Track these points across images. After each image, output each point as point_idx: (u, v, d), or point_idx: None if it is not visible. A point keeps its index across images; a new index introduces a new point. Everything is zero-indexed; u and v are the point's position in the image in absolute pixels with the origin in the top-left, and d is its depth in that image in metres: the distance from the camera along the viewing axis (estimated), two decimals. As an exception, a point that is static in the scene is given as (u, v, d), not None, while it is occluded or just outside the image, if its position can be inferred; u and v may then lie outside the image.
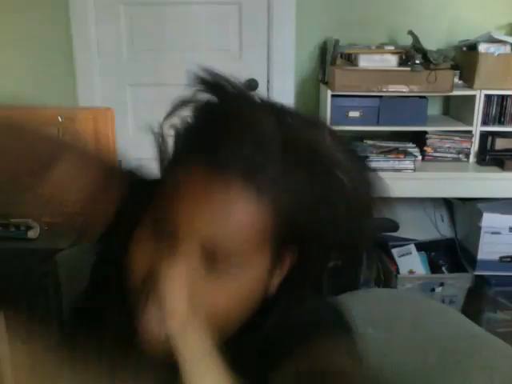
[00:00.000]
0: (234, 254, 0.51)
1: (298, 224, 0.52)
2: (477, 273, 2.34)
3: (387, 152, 2.25)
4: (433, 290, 2.34)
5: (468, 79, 2.28)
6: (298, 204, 0.52)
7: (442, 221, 2.55)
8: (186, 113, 0.57)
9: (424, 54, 2.19)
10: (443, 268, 2.46)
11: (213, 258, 0.51)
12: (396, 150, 2.27)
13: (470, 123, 2.29)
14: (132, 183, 0.67)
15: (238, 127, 0.51)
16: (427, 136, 2.31)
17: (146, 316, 0.51)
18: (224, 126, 0.51)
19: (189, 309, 0.50)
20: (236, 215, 0.50)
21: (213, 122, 0.53)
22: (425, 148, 2.32)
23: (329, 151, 0.54)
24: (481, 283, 2.34)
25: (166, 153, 0.59)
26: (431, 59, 2.17)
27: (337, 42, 2.25)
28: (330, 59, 2.30)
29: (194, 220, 0.51)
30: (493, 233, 2.28)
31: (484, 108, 2.26)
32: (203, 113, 0.55)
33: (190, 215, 0.51)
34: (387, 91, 2.21)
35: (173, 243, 0.51)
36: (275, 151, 0.50)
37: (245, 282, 0.54)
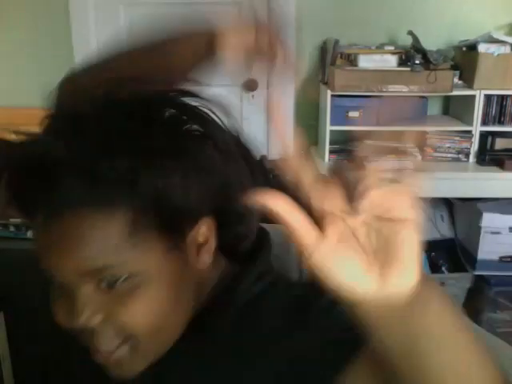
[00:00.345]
0: (118, 268, 0.50)
1: (169, 204, 0.50)
2: (477, 273, 2.34)
3: (387, 152, 2.25)
4: (433, 289, 2.34)
5: (468, 79, 2.28)
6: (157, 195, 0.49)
7: (442, 221, 2.55)
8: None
9: (424, 54, 2.19)
10: (443, 268, 2.46)
11: (105, 279, 0.51)
12: (396, 150, 2.27)
13: (470, 123, 2.29)
14: None
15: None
16: (427, 136, 2.31)
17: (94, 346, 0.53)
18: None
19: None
20: (94, 238, 0.49)
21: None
22: (425, 148, 2.32)
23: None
24: (481, 283, 2.34)
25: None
26: (431, 59, 2.17)
27: (337, 42, 2.25)
28: (329, 59, 2.30)
29: (62, 261, 0.50)
30: (493, 233, 2.28)
31: (484, 108, 2.26)
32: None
33: (56, 258, 0.51)
34: (387, 91, 2.21)
35: (67, 288, 0.52)
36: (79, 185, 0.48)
37: (153, 288, 0.52)
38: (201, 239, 0.55)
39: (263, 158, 2.57)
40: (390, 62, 2.20)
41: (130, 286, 0.51)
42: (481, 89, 2.23)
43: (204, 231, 0.55)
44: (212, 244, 0.57)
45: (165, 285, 0.53)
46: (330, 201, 0.38)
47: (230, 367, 0.56)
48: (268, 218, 0.37)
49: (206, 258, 0.56)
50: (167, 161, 0.49)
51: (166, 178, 0.49)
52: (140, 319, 0.52)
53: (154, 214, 0.50)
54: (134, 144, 0.48)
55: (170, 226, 0.52)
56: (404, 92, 2.21)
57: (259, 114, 2.60)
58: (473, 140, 2.30)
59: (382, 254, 0.36)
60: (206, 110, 0.57)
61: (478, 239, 2.29)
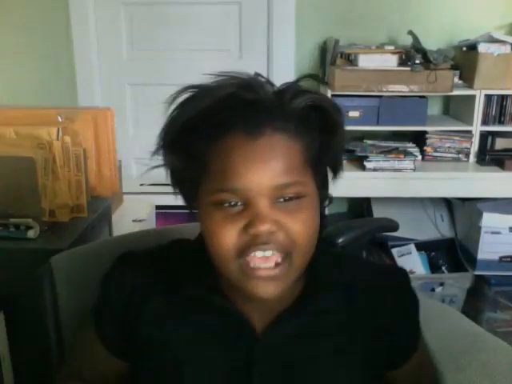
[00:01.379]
0: (297, 186, 0.63)
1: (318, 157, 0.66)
2: (477, 273, 2.34)
3: (387, 152, 2.25)
4: (433, 289, 2.34)
5: (468, 79, 2.28)
6: (315, 145, 0.66)
7: (442, 221, 2.55)
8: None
9: (424, 53, 2.19)
10: (443, 268, 2.46)
11: (283, 196, 0.63)
12: (396, 150, 2.27)
13: (470, 123, 2.29)
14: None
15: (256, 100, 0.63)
16: (427, 136, 2.31)
17: (254, 264, 0.63)
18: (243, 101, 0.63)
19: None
20: (286, 157, 0.62)
21: (232, 100, 0.64)
22: (425, 148, 2.32)
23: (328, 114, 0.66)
24: (481, 283, 2.34)
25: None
26: (431, 59, 2.17)
27: (337, 41, 2.25)
28: (329, 59, 2.30)
29: (259, 175, 0.61)
30: (493, 233, 2.28)
31: (484, 108, 2.26)
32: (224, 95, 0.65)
33: (253, 173, 0.61)
34: (387, 91, 2.21)
35: (248, 203, 0.62)
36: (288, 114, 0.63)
37: (313, 210, 0.66)
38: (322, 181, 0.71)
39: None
40: (390, 61, 2.20)
41: (299, 205, 0.63)
42: (481, 89, 2.23)
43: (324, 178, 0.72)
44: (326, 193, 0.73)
45: (316, 212, 0.67)
46: None
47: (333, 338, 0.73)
48: None
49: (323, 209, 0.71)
50: (331, 132, 0.67)
51: (326, 139, 0.67)
52: (303, 230, 0.63)
53: (314, 156, 0.65)
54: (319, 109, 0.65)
55: (317, 170, 0.67)
56: (404, 92, 2.21)
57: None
58: (473, 140, 2.30)
59: None
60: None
61: (478, 239, 2.29)
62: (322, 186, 0.70)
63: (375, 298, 0.75)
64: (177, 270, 0.75)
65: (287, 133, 0.63)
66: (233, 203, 0.63)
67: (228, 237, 0.63)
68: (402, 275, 0.79)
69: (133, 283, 0.75)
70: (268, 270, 0.63)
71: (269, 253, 0.63)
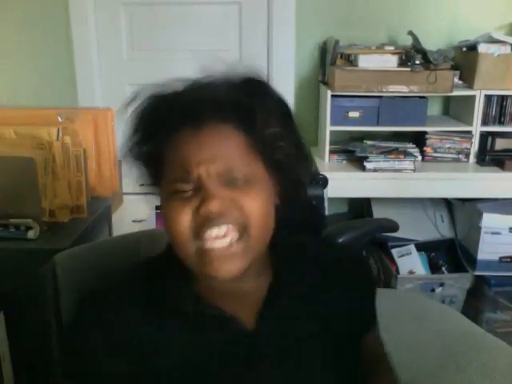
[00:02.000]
0: (243, 169, 0.67)
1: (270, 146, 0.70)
2: (477, 273, 2.34)
3: (387, 152, 2.25)
4: (433, 290, 2.34)
5: (468, 79, 2.28)
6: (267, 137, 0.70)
7: (442, 221, 2.55)
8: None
9: (424, 54, 2.19)
10: (443, 268, 2.46)
11: (234, 182, 0.67)
12: (396, 151, 2.27)
13: (470, 123, 2.29)
14: None
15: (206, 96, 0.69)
16: (427, 136, 2.31)
17: (211, 245, 0.66)
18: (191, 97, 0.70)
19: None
20: (229, 145, 0.67)
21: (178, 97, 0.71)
22: (425, 148, 2.32)
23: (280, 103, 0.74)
24: (481, 283, 2.34)
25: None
26: (431, 59, 2.17)
27: (337, 42, 2.25)
28: (329, 59, 2.30)
29: (205, 161, 0.66)
30: (493, 233, 2.28)
31: (484, 108, 2.26)
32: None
33: (200, 159, 0.66)
34: (387, 91, 2.21)
35: (198, 188, 0.66)
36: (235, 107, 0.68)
37: (264, 192, 0.69)
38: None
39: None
40: (390, 62, 2.20)
41: (248, 185, 0.67)
42: (481, 89, 2.23)
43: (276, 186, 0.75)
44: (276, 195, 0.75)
45: (267, 197, 0.70)
46: None
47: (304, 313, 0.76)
48: None
49: (277, 200, 0.75)
50: (275, 122, 0.70)
51: (271, 131, 0.70)
52: (255, 205, 0.67)
53: (261, 144, 0.69)
54: (260, 103, 0.69)
55: (268, 157, 0.71)
56: (404, 92, 2.21)
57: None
58: (473, 140, 2.30)
59: None
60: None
61: (478, 239, 2.29)
62: (280, 173, 0.73)
63: (342, 277, 0.82)
64: (157, 288, 0.74)
65: (229, 123, 0.68)
66: (186, 190, 0.67)
67: (182, 219, 0.66)
68: (365, 262, 0.92)
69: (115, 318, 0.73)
70: (224, 249, 0.66)
71: (224, 228, 0.66)
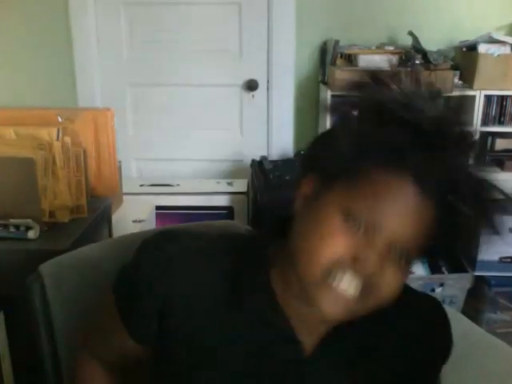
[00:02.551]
0: (411, 251, 0.61)
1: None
2: (477, 273, 2.33)
3: (387, 152, 2.25)
4: (433, 290, 2.34)
5: (468, 80, 2.28)
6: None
7: (442, 221, 2.55)
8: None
9: (424, 54, 2.19)
10: (443, 268, 2.46)
11: (395, 253, 0.61)
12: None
13: (470, 124, 2.28)
14: None
15: (442, 145, 0.59)
16: (427, 136, 2.30)
17: (325, 299, 0.61)
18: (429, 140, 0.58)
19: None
20: (420, 221, 0.60)
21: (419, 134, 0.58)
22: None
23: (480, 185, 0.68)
24: (481, 284, 2.34)
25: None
26: (431, 59, 2.17)
27: (337, 42, 2.25)
28: (329, 59, 2.30)
29: (390, 219, 0.59)
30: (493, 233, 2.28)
31: (484, 108, 2.26)
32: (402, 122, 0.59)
33: (388, 215, 0.59)
34: (387, 91, 2.21)
35: (368, 236, 0.59)
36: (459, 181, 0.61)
37: (407, 275, 0.64)
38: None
39: (263, 158, 2.60)
40: (390, 62, 2.20)
41: (401, 269, 0.62)
42: (481, 89, 2.23)
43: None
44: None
45: (405, 276, 0.64)
46: None
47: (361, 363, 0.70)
48: None
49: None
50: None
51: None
52: (392, 290, 0.62)
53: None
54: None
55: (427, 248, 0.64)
56: (404, 92, 2.21)
57: (259, 114, 2.60)
58: (473, 140, 2.30)
59: None
60: None
61: (478, 239, 2.29)
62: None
63: (408, 336, 0.74)
64: (235, 275, 0.70)
65: (437, 204, 0.60)
66: (359, 224, 0.60)
67: (333, 246, 0.60)
68: (437, 313, 0.78)
69: (182, 271, 0.69)
70: (344, 294, 0.61)
71: (356, 281, 0.61)
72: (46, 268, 0.97)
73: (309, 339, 0.70)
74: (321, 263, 0.60)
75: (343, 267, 0.60)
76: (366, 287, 0.61)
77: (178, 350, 0.70)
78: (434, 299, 0.80)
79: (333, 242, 0.60)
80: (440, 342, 0.76)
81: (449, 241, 0.66)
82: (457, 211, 0.62)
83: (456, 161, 0.61)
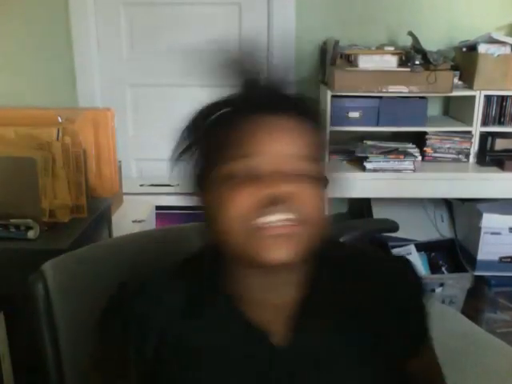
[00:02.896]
0: (310, 164, 0.66)
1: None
2: (477, 273, 2.34)
3: (387, 153, 2.25)
4: (433, 290, 2.34)
5: (468, 80, 2.28)
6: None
7: (442, 221, 2.55)
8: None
9: (424, 54, 2.19)
10: (443, 268, 2.46)
11: (298, 171, 0.65)
12: (396, 151, 2.27)
13: (470, 124, 2.29)
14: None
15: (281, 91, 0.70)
16: (427, 136, 2.31)
17: (265, 249, 0.63)
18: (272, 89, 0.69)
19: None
20: (303, 137, 0.67)
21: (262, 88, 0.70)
22: (425, 148, 2.32)
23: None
24: (481, 283, 2.34)
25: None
26: (431, 60, 2.17)
27: (337, 42, 2.25)
28: (329, 59, 2.30)
29: (279, 144, 0.65)
30: (493, 233, 2.28)
31: (484, 108, 2.26)
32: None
33: (274, 142, 0.65)
34: (387, 92, 2.21)
35: (267, 172, 0.64)
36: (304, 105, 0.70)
37: (324, 190, 0.69)
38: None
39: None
40: (390, 62, 2.20)
41: (314, 181, 0.66)
42: (481, 89, 2.23)
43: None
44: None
45: (324, 199, 0.68)
46: None
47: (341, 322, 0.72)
48: None
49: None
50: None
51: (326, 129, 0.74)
52: (318, 206, 0.66)
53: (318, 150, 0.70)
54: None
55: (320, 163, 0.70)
56: (404, 92, 2.21)
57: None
58: (473, 140, 2.30)
59: None
60: None
61: (478, 239, 2.29)
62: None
63: (383, 287, 0.77)
64: (195, 284, 0.73)
65: (304, 121, 0.68)
66: (250, 173, 0.64)
67: (240, 203, 0.63)
68: (407, 264, 0.84)
69: (150, 306, 0.73)
70: (280, 227, 0.63)
71: (284, 217, 0.63)
72: (48, 266, 0.97)
73: (278, 329, 0.71)
74: (240, 221, 0.63)
75: (266, 209, 0.62)
76: (290, 211, 0.63)
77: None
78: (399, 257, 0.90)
79: (239, 200, 0.63)
80: (412, 285, 0.81)
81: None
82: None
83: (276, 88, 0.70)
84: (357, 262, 0.79)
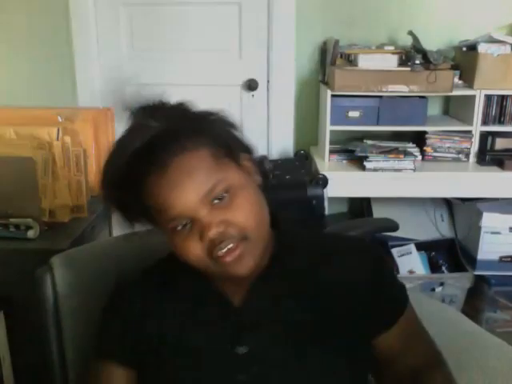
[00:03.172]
0: (222, 183, 0.71)
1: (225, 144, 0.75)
2: (477, 273, 2.34)
3: (387, 152, 2.25)
4: (433, 289, 2.34)
5: (468, 79, 2.28)
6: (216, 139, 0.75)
7: (442, 221, 2.55)
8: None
9: (424, 54, 2.19)
10: (443, 268, 2.46)
11: (215, 197, 0.71)
12: (396, 150, 2.27)
13: (470, 123, 2.29)
14: None
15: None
16: (427, 136, 2.31)
17: (224, 258, 0.71)
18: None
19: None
20: (199, 167, 0.71)
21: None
22: (425, 148, 2.32)
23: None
24: (481, 283, 2.34)
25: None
26: (431, 59, 2.17)
27: (337, 42, 2.25)
28: (329, 59, 2.30)
29: (185, 194, 0.70)
30: (493, 233, 2.28)
31: (484, 108, 2.26)
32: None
33: (180, 195, 0.70)
34: (387, 91, 2.21)
35: (193, 219, 0.71)
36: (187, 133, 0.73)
37: (249, 189, 0.75)
38: (248, 164, 0.79)
39: (263, 157, 2.60)
40: (390, 62, 2.20)
41: (232, 197, 0.72)
42: (481, 89, 2.23)
43: (247, 161, 0.80)
44: (256, 172, 0.80)
45: (254, 194, 0.75)
46: None
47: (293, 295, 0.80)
48: None
49: (258, 177, 0.80)
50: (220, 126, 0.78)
51: (223, 135, 0.76)
52: (248, 214, 0.72)
53: (222, 150, 0.74)
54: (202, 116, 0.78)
55: (231, 155, 0.75)
56: (404, 92, 2.21)
57: (259, 113, 2.60)
58: (473, 140, 2.30)
59: None
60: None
61: (478, 239, 2.29)
62: (246, 156, 0.79)
63: (349, 271, 0.81)
64: (173, 274, 0.83)
65: (189, 147, 0.71)
66: (184, 223, 0.72)
67: (194, 251, 0.72)
68: (370, 246, 0.86)
69: (131, 302, 0.84)
70: (231, 253, 0.72)
71: (230, 245, 0.71)
72: (57, 260, 0.99)
73: (240, 295, 0.80)
74: (201, 261, 0.73)
75: (213, 248, 0.71)
76: (230, 237, 0.71)
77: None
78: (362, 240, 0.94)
79: (189, 252, 0.72)
80: (370, 260, 0.83)
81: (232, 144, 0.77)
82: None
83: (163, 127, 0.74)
84: (317, 239, 0.88)
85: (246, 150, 0.80)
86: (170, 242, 0.75)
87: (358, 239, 0.94)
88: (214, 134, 0.75)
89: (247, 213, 0.72)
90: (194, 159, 0.71)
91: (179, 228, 0.72)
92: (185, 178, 0.70)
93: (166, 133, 0.73)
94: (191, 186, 0.70)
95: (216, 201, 0.71)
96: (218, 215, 0.71)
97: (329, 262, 0.81)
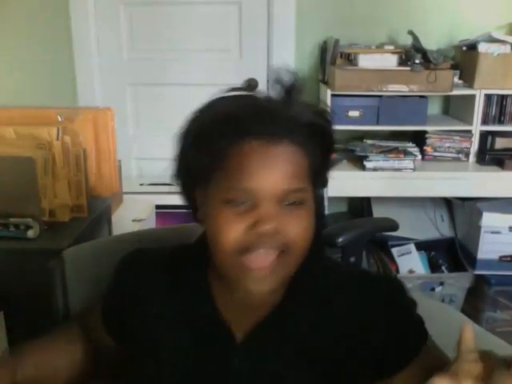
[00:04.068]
0: (300, 192, 0.69)
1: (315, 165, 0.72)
2: (477, 272, 2.34)
3: (387, 152, 2.26)
4: (433, 289, 2.34)
5: (468, 79, 2.28)
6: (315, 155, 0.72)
7: (442, 220, 2.55)
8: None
9: (424, 53, 2.19)
10: (443, 267, 2.46)
11: (287, 200, 0.68)
12: (396, 150, 2.27)
13: (470, 123, 2.29)
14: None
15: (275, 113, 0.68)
16: (427, 135, 2.31)
17: (249, 280, 0.68)
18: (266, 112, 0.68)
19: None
20: (295, 166, 0.68)
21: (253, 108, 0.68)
22: (425, 148, 2.32)
23: (329, 132, 0.74)
24: (481, 283, 2.34)
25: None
26: (431, 59, 2.17)
27: (337, 41, 2.25)
28: (329, 59, 2.30)
29: (271, 179, 0.66)
30: (493, 232, 2.28)
31: (484, 108, 2.26)
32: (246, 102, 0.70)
33: (267, 176, 0.66)
34: (387, 91, 2.21)
35: (257, 203, 0.67)
36: (300, 126, 0.69)
37: (311, 214, 0.71)
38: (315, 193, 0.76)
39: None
40: (390, 61, 2.20)
41: (300, 210, 0.69)
42: (481, 88, 2.23)
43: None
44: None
45: (312, 220, 0.71)
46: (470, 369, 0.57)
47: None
48: None
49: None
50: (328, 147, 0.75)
51: (326, 154, 0.74)
52: (302, 228, 0.69)
53: (316, 169, 0.72)
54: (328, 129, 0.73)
55: (316, 182, 0.74)
56: (404, 92, 2.21)
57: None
58: (473, 140, 2.30)
59: None
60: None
61: (478, 239, 2.29)
62: (317, 197, 0.75)
63: (360, 311, 0.75)
64: (178, 271, 0.80)
65: (299, 144, 0.68)
66: (243, 202, 0.67)
67: (234, 232, 0.67)
68: (391, 286, 0.78)
69: (140, 277, 0.82)
70: (264, 268, 0.68)
71: (270, 251, 0.68)
72: (68, 253, 1.01)
73: (244, 329, 0.74)
74: (229, 251, 0.68)
75: (252, 245, 0.67)
76: (275, 241, 0.67)
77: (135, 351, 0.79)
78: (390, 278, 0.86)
79: (230, 230, 0.67)
80: (399, 311, 0.76)
81: (324, 166, 0.75)
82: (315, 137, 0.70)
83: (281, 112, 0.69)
84: (338, 278, 0.79)
85: (324, 184, 0.78)
86: (210, 218, 0.70)
87: (374, 276, 0.85)
88: (324, 155, 0.73)
89: (302, 230, 0.69)
90: (299, 157, 0.69)
91: (235, 203, 0.67)
92: (280, 163, 0.67)
93: (289, 117, 0.68)
94: (282, 174, 0.67)
95: (286, 203, 0.68)
96: (281, 216, 0.67)
97: (341, 301, 0.75)
